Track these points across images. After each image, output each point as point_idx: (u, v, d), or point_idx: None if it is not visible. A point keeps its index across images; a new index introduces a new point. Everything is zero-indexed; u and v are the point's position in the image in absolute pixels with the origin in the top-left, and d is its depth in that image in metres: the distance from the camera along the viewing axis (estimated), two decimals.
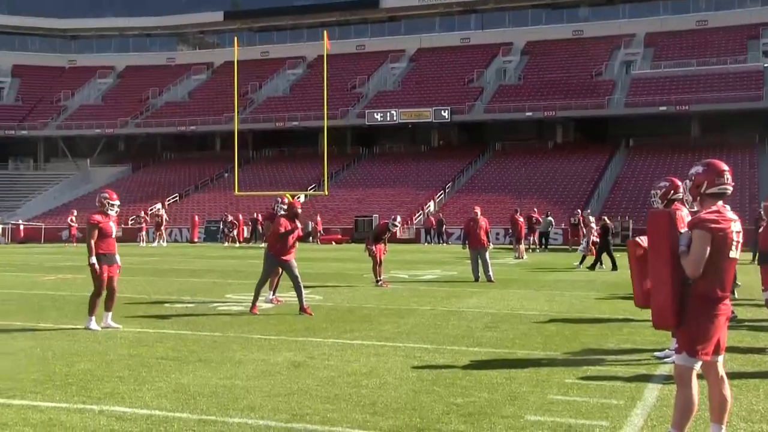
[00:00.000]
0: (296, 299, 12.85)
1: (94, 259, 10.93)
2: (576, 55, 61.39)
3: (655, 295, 5.13)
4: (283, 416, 6.22)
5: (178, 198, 57.00)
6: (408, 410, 6.41)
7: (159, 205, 51.27)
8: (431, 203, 50.43)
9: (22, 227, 50.56)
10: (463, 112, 57.82)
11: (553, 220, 38.39)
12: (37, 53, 74.78)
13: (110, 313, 11.11)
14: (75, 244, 40.94)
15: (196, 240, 46.38)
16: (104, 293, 11.05)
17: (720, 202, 5.21)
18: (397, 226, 19.42)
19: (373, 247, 17.95)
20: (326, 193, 47.57)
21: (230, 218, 43.68)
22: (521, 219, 31.41)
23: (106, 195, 11.26)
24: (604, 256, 23.59)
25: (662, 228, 5.13)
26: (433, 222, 44.75)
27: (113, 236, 11.30)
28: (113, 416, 6.23)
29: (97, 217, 11.12)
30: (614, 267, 22.93)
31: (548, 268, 24.09)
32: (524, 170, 53.04)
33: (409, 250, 35.45)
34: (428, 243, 44.01)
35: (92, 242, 10.96)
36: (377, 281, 17.72)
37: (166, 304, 13.94)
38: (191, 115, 63.99)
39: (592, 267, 23.35)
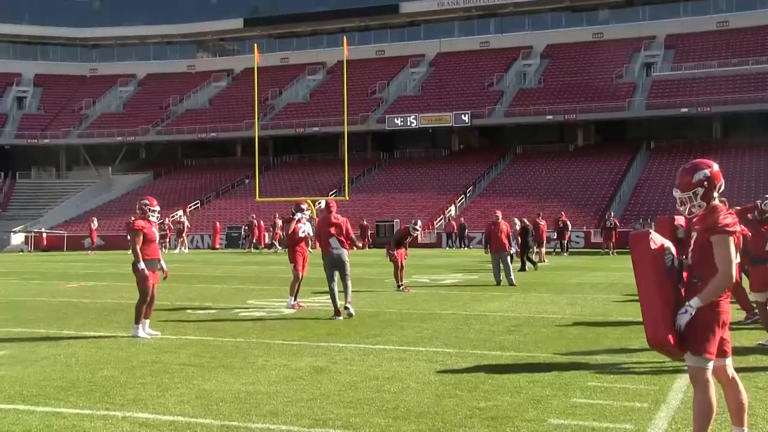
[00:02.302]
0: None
1: (143, 265, 10.94)
2: (596, 58, 61.12)
3: (646, 313, 5.09)
4: (305, 421, 6.22)
5: (199, 205, 57.26)
6: (430, 414, 6.39)
7: (180, 212, 51.56)
8: (452, 207, 50.36)
9: (45, 235, 50.95)
10: (483, 116, 57.73)
11: (570, 225, 38.20)
12: (58, 62, 75.40)
13: (148, 321, 11.12)
14: (94, 253, 41.00)
15: (217, 246, 46.54)
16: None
17: (720, 201, 5.18)
18: (417, 230, 19.40)
19: (395, 252, 17.94)
20: (347, 199, 47.67)
21: (254, 221, 43.68)
22: (543, 222, 31.27)
23: (147, 201, 11.36)
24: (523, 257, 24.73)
25: (646, 251, 5.08)
26: (455, 226, 44.66)
27: (156, 241, 11.39)
28: (136, 422, 6.24)
29: (141, 223, 11.19)
30: (522, 268, 23.92)
31: (571, 271, 23.96)
32: (545, 174, 52.86)
33: (431, 254, 35.40)
34: (449, 247, 43.92)
35: (138, 248, 11.00)
36: (399, 286, 17.71)
37: (188, 311, 13.98)
38: (212, 121, 64.28)
39: (522, 269, 24.03)
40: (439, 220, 48.43)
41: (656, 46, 61.82)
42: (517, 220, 27.22)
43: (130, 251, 11.27)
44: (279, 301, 15.18)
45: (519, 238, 25.36)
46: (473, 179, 54.85)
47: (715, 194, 5.13)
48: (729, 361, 5.12)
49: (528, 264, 24.81)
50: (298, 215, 14.40)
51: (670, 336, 4.97)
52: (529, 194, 49.02)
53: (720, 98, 51.52)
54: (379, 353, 9.35)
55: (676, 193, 5.20)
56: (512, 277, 19.03)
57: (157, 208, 11.36)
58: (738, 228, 5.03)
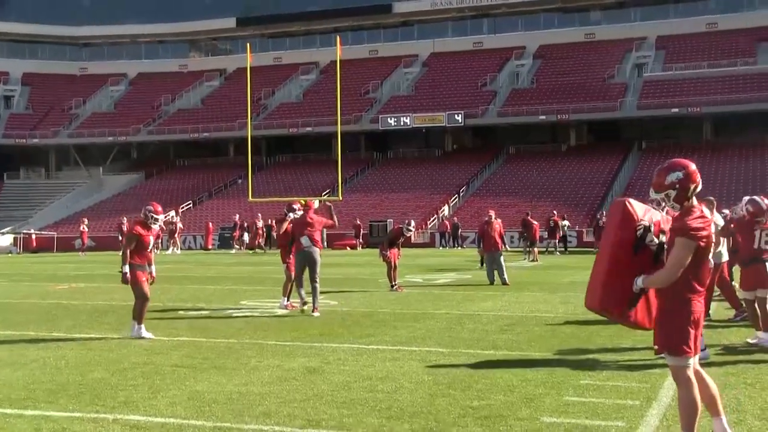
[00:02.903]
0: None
1: (126, 268, 10.82)
2: (588, 58, 61.29)
3: (594, 275, 5.33)
4: (298, 422, 6.19)
5: (191, 205, 57.13)
6: (424, 414, 6.36)
7: (173, 213, 51.41)
8: (446, 207, 50.37)
9: (34, 237, 50.63)
10: (477, 116, 57.80)
11: (567, 224, 38.27)
12: (47, 61, 74.85)
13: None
14: (84, 254, 40.83)
15: (210, 247, 46.42)
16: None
17: (695, 201, 5.17)
18: (411, 230, 19.38)
19: (388, 252, 17.91)
20: (340, 199, 47.63)
21: (237, 221, 43.52)
22: (535, 222, 31.31)
23: (151, 208, 11.20)
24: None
25: (615, 217, 5.33)
26: (448, 226, 44.68)
27: (150, 250, 11.26)
28: (127, 425, 6.19)
29: (140, 229, 11.06)
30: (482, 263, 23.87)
31: (563, 270, 23.98)
32: (538, 173, 52.92)
33: (424, 254, 35.39)
34: (443, 247, 43.92)
35: (127, 252, 10.90)
36: (392, 286, 17.68)
37: (181, 312, 13.93)
38: (204, 121, 64.15)
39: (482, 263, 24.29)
40: (433, 220, 48.44)
41: (647, 46, 62.00)
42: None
43: (120, 252, 11.18)
44: (272, 301, 15.13)
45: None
46: (466, 179, 54.89)
47: (691, 195, 5.13)
48: (695, 360, 5.15)
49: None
50: (290, 215, 14.31)
51: (599, 307, 5.26)
52: (522, 194, 49.08)
53: (710, 99, 51.73)
54: (373, 353, 9.32)
55: (652, 194, 5.28)
56: (505, 276, 19.03)
57: (161, 217, 11.24)
58: (706, 233, 5.02)
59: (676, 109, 52.14)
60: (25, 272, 26.69)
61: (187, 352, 9.58)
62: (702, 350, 8.39)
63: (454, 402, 6.77)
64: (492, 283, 18.95)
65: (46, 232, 51.90)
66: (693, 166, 5.17)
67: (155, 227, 11.20)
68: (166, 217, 48.98)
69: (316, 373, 8.16)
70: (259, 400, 6.93)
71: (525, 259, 30.05)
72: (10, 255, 45.51)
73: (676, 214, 5.17)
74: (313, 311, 12.99)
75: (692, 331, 5.04)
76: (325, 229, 13.11)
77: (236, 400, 6.97)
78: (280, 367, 8.48)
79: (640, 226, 5.15)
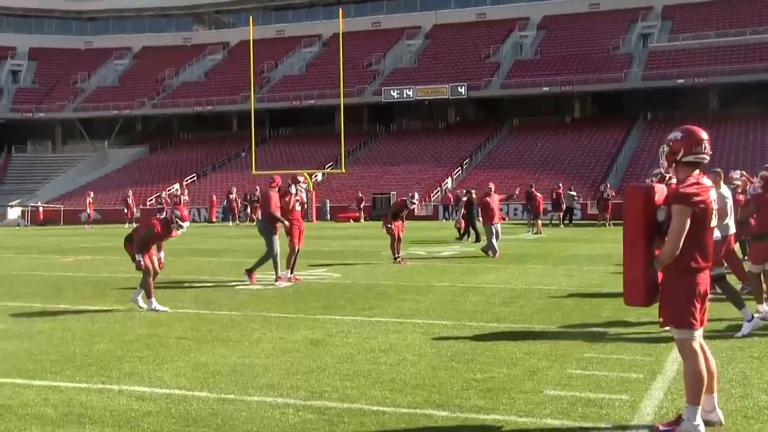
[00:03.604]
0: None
1: (140, 257, 10.83)
2: (593, 29, 60.79)
3: (628, 271, 5.18)
4: (301, 393, 6.23)
5: (195, 178, 57.14)
6: (427, 386, 6.40)
7: (177, 186, 51.52)
8: (449, 180, 50.30)
9: (41, 209, 50.90)
10: (480, 88, 57.52)
11: (575, 195, 38.23)
12: (53, 35, 74.78)
13: (142, 291, 11.05)
14: (90, 227, 40.99)
15: (214, 220, 46.50)
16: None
17: (697, 171, 5.15)
18: (414, 203, 19.39)
19: (392, 225, 17.92)
20: (344, 171, 47.65)
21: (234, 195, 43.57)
22: (539, 194, 31.27)
23: (179, 214, 11.11)
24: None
25: (637, 203, 5.14)
26: (451, 198, 44.62)
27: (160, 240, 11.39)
28: (133, 396, 6.25)
29: (160, 229, 11.01)
30: (477, 239, 24.19)
31: (567, 243, 23.99)
32: (542, 145, 52.75)
33: (427, 227, 35.40)
34: (446, 219, 43.92)
35: (144, 242, 10.93)
36: (395, 258, 17.71)
37: (185, 284, 13.99)
38: (208, 95, 64.01)
39: (459, 238, 25.39)
40: (436, 193, 48.40)
41: (653, 16, 61.46)
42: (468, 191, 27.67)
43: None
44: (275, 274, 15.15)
45: (464, 210, 25.65)
46: (470, 151, 54.76)
47: (680, 159, 5.11)
48: (699, 332, 5.15)
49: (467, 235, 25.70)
50: (294, 188, 14.33)
51: (645, 301, 5.17)
52: (525, 166, 48.97)
53: (717, 69, 51.35)
54: (376, 326, 9.36)
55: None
56: (496, 246, 19.28)
57: (187, 224, 11.23)
58: (701, 198, 5.01)
59: (682, 80, 51.78)
60: (32, 245, 26.79)
61: (191, 324, 9.64)
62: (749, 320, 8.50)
63: (456, 374, 6.81)
64: (496, 254, 18.94)
65: (52, 205, 52.05)
66: (697, 135, 5.13)
67: (177, 232, 11.19)
68: (169, 190, 49.24)
69: (320, 345, 8.21)
70: (262, 372, 6.97)
71: (528, 231, 30.06)
72: (18, 227, 45.69)
73: (666, 171, 5.27)
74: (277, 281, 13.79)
75: (698, 304, 5.05)
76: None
77: (240, 371, 7.02)
78: (283, 340, 8.52)
79: (662, 209, 5.12)
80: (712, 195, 5.13)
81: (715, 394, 5.28)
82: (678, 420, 5.15)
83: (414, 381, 6.59)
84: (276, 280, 13.84)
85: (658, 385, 6.37)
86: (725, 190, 10.38)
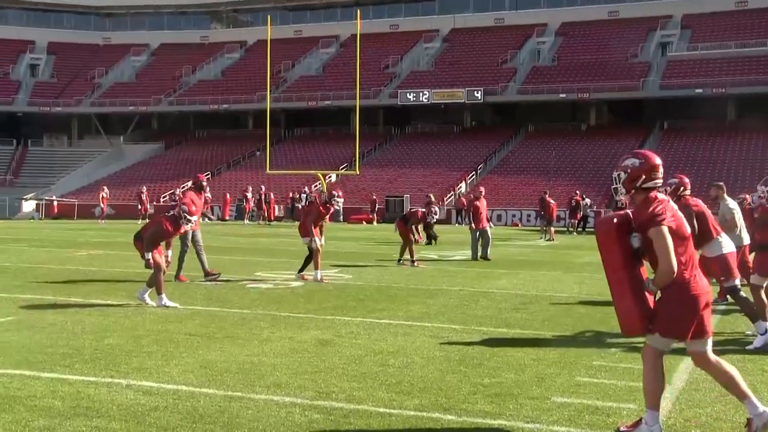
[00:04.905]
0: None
1: (149, 255, 10.97)
2: (611, 37, 60.55)
3: (618, 303, 5.23)
4: (308, 393, 6.23)
5: (210, 176, 57.24)
6: (434, 390, 6.39)
7: (190, 184, 51.61)
8: (462, 184, 50.24)
9: (56, 203, 51.14)
10: (496, 93, 57.43)
11: (588, 202, 38.12)
12: (72, 30, 75.08)
13: (149, 289, 11.13)
14: (103, 221, 41.24)
15: (227, 218, 46.63)
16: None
17: (652, 193, 5.23)
18: (435, 218, 19.35)
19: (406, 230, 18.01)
20: (358, 173, 47.62)
21: (249, 195, 43.62)
22: (552, 201, 31.20)
23: (186, 208, 11.43)
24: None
25: (610, 235, 5.20)
26: (464, 203, 44.55)
27: (168, 239, 11.62)
28: (140, 390, 6.27)
29: (169, 227, 11.27)
30: (429, 242, 24.47)
31: (579, 250, 23.92)
32: (557, 152, 52.58)
33: (440, 230, 35.26)
34: (459, 224, 43.85)
35: (153, 240, 11.08)
36: (412, 261, 17.65)
37: (196, 281, 14.02)
38: (224, 93, 64.15)
39: (428, 243, 24.78)
40: (450, 197, 48.34)
41: (673, 25, 61.17)
42: (432, 197, 27.71)
43: (140, 221, 11.43)
44: (287, 273, 15.19)
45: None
46: (484, 156, 54.67)
47: (638, 186, 5.20)
48: (709, 342, 5.20)
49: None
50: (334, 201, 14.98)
51: (644, 327, 5.15)
52: (539, 173, 48.86)
53: (735, 79, 51.08)
54: (385, 328, 9.36)
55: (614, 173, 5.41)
56: (488, 251, 19.53)
57: (194, 218, 11.45)
58: (670, 214, 5.10)
59: (700, 90, 51.51)
60: (46, 238, 26.92)
61: (201, 321, 9.67)
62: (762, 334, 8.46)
63: (464, 379, 6.80)
64: (476, 258, 19.28)
65: (67, 199, 52.28)
66: (654, 161, 5.25)
67: (186, 227, 11.35)
68: (183, 187, 49.31)
69: (328, 345, 8.21)
70: (270, 371, 6.98)
71: (541, 238, 30.00)
72: (32, 221, 45.91)
73: (619, 197, 5.36)
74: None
75: (688, 316, 5.04)
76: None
77: (248, 370, 7.03)
78: (292, 339, 8.53)
79: (635, 236, 5.18)
80: (674, 206, 5.26)
81: (752, 396, 5.22)
82: (637, 423, 5.28)
83: (421, 384, 6.58)
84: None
85: (667, 395, 6.31)
86: (731, 202, 10.32)
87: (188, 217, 11.25)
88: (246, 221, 42.78)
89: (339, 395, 6.20)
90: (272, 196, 44.45)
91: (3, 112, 66.24)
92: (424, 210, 19.46)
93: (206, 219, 24.45)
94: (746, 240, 10.24)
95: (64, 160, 64.07)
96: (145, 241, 11.04)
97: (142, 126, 68.64)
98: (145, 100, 65.24)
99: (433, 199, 26.41)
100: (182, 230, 11.42)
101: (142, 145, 66.15)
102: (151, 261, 10.89)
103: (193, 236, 14.33)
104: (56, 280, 14.02)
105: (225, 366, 7.17)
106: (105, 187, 46.27)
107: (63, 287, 12.98)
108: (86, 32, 75.30)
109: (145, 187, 45.65)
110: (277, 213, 45.17)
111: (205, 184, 15.12)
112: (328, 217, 15.25)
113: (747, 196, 14.28)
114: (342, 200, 15.37)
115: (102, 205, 43.36)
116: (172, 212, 11.46)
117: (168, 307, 10.73)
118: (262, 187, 43.92)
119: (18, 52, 71.74)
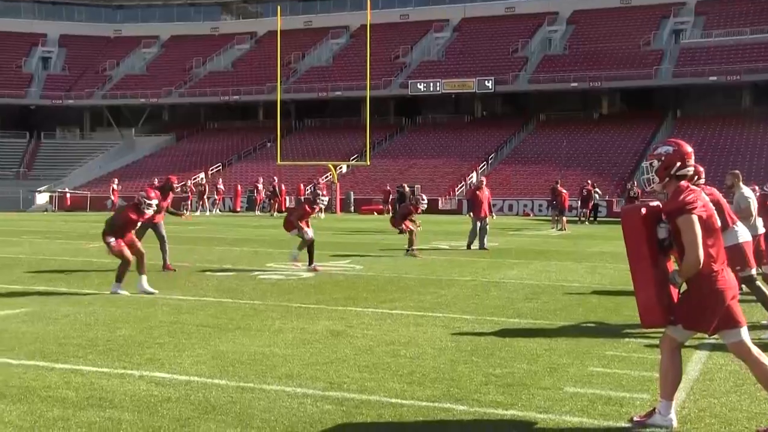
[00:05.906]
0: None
1: (112, 239, 11.35)
2: (623, 25, 60.21)
3: (640, 294, 5.16)
4: (320, 384, 6.23)
5: (221, 167, 57.37)
6: (446, 380, 6.38)
7: (201, 175, 51.78)
8: (474, 174, 50.15)
9: (68, 195, 51.36)
10: (507, 83, 57.23)
11: (599, 192, 38.00)
12: (83, 23, 75.25)
13: (144, 277, 11.31)
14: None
15: (238, 209, 46.72)
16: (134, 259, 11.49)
17: (683, 182, 5.16)
18: (424, 205, 19.02)
19: (402, 226, 18.12)
20: (368, 164, 47.61)
21: (260, 185, 43.61)
22: (564, 190, 31.10)
23: (144, 194, 11.71)
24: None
25: (636, 224, 5.13)
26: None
27: (133, 230, 11.94)
28: (153, 381, 6.29)
29: (132, 216, 11.62)
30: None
31: (591, 240, 23.84)
32: (568, 141, 52.40)
33: (451, 221, 35.32)
34: (470, 214, 43.74)
35: (113, 227, 11.46)
36: (408, 250, 17.73)
37: (208, 273, 14.05)
38: (234, 84, 64.20)
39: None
40: (461, 187, 48.28)
41: (686, 12, 60.75)
42: (406, 186, 27.47)
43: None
44: (298, 264, 15.18)
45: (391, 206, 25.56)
46: (495, 146, 54.55)
47: (673, 174, 5.14)
48: (744, 331, 5.11)
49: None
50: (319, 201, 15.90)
51: (665, 320, 5.10)
52: (551, 162, 48.70)
53: (750, 67, 50.69)
54: (396, 318, 9.35)
55: (644, 163, 5.33)
56: (485, 241, 19.57)
57: (155, 202, 11.75)
58: (702, 203, 5.03)
59: (714, 78, 51.15)
60: (59, 230, 27.04)
61: (212, 312, 9.69)
62: None
63: (476, 369, 6.78)
64: (469, 248, 19.40)
65: (79, 191, 52.48)
66: (687, 148, 5.19)
67: (148, 212, 11.57)
68: (194, 179, 49.46)
69: (340, 336, 8.21)
70: (282, 362, 6.99)
71: (553, 228, 29.91)
72: (45, 213, 46.14)
73: (652, 187, 5.25)
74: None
75: (711, 309, 4.97)
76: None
77: (260, 361, 7.04)
78: (304, 330, 8.54)
79: (662, 226, 5.11)
80: (706, 197, 5.18)
81: None
82: (651, 413, 5.27)
83: (433, 374, 6.58)
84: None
85: (681, 386, 6.27)
86: (746, 190, 10.24)
87: (148, 201, 11.45)
88: (257, 212, 42.90)
89: (351, 386, 6.20)
90: (283, 187, 44.46)
91: (16, 105, 66.61)
92: (413, 204, 19.04)
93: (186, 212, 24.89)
94: (761, 229, 10.17)
95: (76, 153, 64.33)
96: (106, 225, 11.43)
97: (153, 118, 68.78)
98: (156, 92, 65.37)
99: (407, 189, 26.06)
100: (146, 216, 11.66)
101: (153, 137, 66.31)
102: (111, 243, 11.23)
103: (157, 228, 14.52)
104: (70, 271, 14.07)
105: (237, 357, 7.18)
106: (116, 180, 46.42)
107: (76, 279, 13.05)
108: (97, 25, 75.45)
109: (156, 180, 45.71)
110: (288, 204, 45.15)
111: (175, 185, 15.83)
112: (338, 208, 15.65)
113: (756, 188, 14.20)
114: (327, 199, 15.74)
115: (113, 197, 43.50)
116: (133, 201, 11.75)
117: (119, 293, 11.06)
118: (275, 178, 43.90)
119: (30, 45, 72.00)
